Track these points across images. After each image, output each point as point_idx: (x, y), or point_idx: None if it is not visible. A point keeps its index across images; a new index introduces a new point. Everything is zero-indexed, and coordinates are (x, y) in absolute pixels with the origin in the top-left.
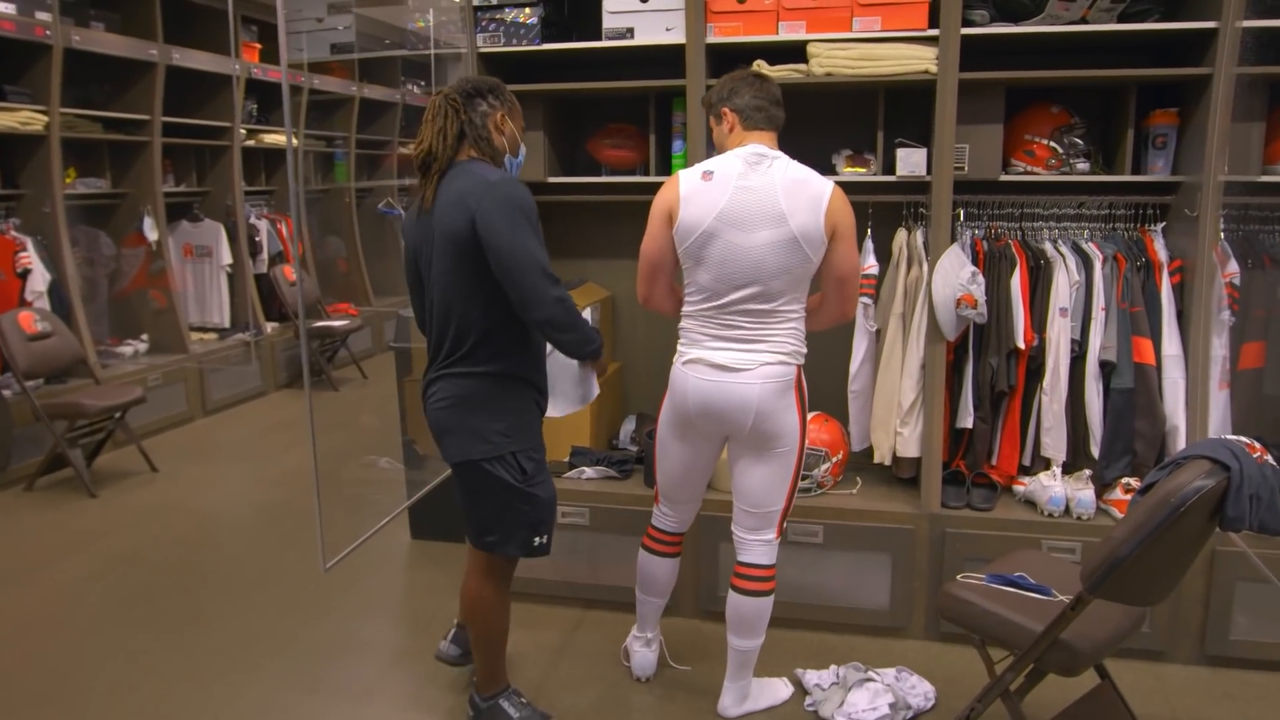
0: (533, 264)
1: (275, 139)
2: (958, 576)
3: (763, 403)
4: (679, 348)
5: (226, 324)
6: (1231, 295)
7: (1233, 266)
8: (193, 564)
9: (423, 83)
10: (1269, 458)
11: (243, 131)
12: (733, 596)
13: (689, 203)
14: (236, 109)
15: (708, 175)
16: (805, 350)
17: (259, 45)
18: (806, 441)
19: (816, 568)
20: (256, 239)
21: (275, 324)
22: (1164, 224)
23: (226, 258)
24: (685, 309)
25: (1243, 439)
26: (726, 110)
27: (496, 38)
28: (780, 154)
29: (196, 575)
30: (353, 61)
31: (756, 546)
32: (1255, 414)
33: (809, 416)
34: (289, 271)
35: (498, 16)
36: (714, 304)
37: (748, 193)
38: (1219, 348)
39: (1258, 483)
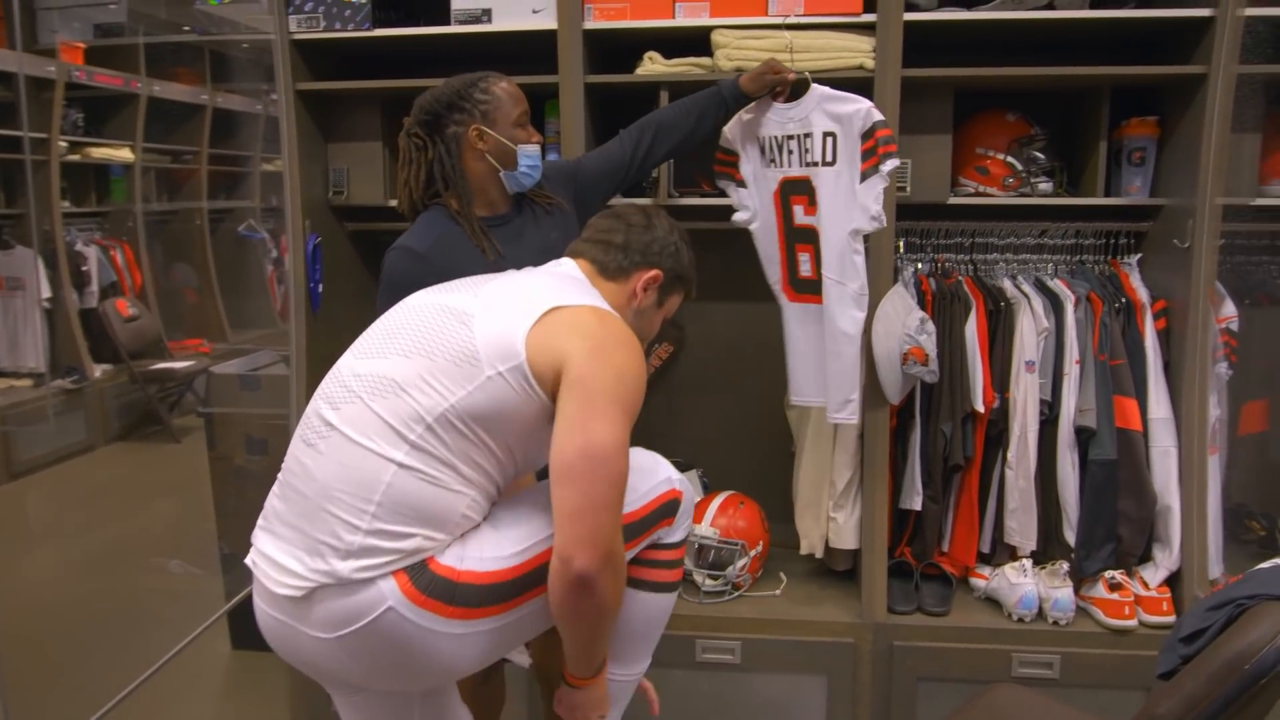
0: None
1: (107, 153)
2: None
3: (369, 666)
4: None
5: (43, 368)
6: (1229, 344)
7: (1229, 309)
8: None
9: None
10: None
11: (63, 144)
12: None
13: None
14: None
15: None
16: (420, 542)
17: (82, 45)
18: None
19: (734, 695)
20: (84, 269)
21: (108, 366)
22: (1139, 256)
23: (45, 290)
24: None
25: None
26: None
27: (315, 20)
28: (577, 271)
29: None
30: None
31: None
32: (1264, 487)
33: (719, 501)
34: (123, 305)
35: None
36: (322, 392)
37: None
38: (1214, 407)
39: None
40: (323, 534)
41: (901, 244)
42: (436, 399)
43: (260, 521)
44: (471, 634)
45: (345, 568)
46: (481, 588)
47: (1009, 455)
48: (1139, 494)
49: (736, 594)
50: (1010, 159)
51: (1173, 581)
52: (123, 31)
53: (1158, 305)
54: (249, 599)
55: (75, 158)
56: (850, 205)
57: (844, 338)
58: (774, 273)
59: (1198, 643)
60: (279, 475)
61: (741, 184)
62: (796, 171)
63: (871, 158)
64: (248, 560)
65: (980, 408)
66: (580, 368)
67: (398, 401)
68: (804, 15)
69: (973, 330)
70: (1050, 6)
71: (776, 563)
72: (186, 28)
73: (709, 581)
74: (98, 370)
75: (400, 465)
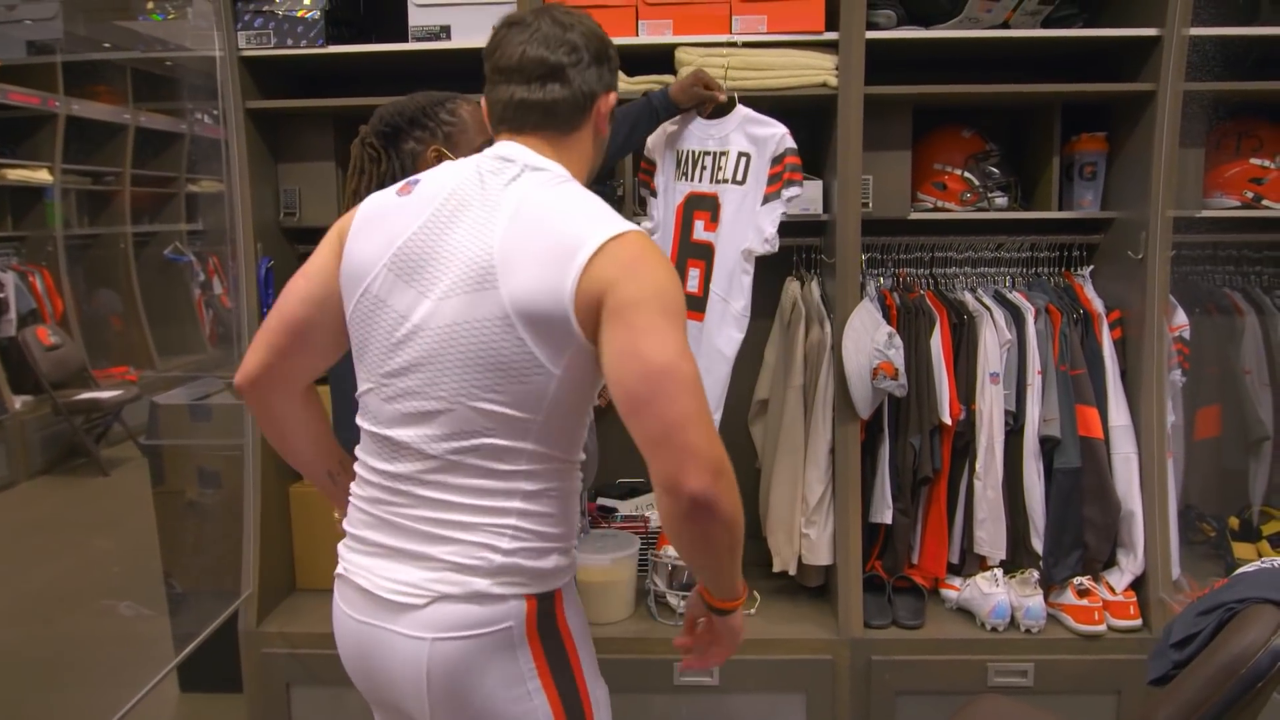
0: None
1: (23, 174)
2: None
3: (439, 681)
4: None
5: None
6: (1181, 351)
7: (1180, 318)
8: None
9: (215, 111)
10: None
11: None
12: None
13: (365, 231)
14: None
15: (408, 188)
16: (557, 559)
17: None
18: None
19: (713, 718)
20: (1, 296)
21: (29, 397)
22: (1091, 267)
23: None
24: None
25: None
26: (484, 101)
27: (265, 37)
28: (544, 163)
29: None
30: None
31: None
32: (1215, 490)
33: None
34: (43, 333)
35: (267, 8)
36: (374, 448)
37: (451, 223)
38: (1169, 413)
39: None
40: (457, 555)
41: (864, 260)
42: (524, 426)
43: (350, 543)
44: None
45: (483, 584)
46: (576, 687)
47: (976, 466)
48: (1103, 500)
49: None
50: (967, 174)
51: (1138, 585)
52: (57, 49)
53: (1113, 315)
54: (209, 641)
55: None
56: (747, 225)
57: (719, 356)
58: None
59: (1189, 648)
60: (357, 505)
61: (654, 193)
62: (705, 187)
63: (776, 183)
64: (339, 570)
65: (947, 420)
66: (613, 299)
67: (491, 446)
68: (767, 33)
69: (937, 343)
70: (1005, 26)
71: (748, 581)
72: (107, 45)
73: (683, 604)
74: (18, 402)
75: (527, 493)
